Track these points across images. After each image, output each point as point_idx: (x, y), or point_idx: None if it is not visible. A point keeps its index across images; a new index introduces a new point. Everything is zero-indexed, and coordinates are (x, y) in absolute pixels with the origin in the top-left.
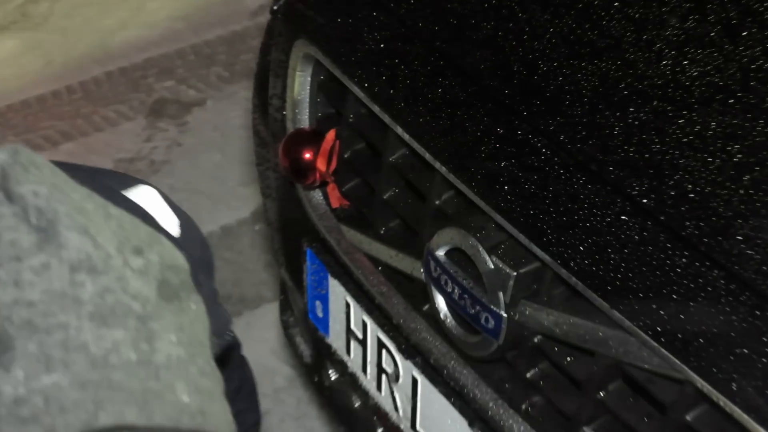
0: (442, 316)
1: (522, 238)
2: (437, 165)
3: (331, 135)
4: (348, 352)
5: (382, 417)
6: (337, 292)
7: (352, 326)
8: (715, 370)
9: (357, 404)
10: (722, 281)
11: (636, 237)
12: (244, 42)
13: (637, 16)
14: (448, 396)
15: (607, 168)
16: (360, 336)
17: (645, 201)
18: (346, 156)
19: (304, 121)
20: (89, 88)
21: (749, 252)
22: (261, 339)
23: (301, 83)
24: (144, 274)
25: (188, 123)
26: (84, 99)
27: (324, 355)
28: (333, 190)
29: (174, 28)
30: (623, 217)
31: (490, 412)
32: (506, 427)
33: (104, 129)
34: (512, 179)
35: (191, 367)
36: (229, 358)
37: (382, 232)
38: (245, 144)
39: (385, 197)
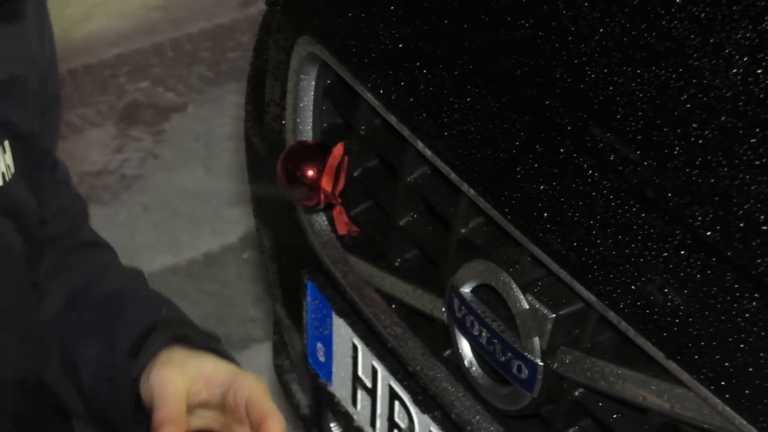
0: (466, 363)
1: (563, 274)
2: (464, 187)
3: (338, 149)
4: (354, 403)
5: None
6: (342, 333)
7: (360, 373)
8: None
9: None
10: None
11: (698, 276)
12: (231, 37)
13: (702, 15)
14: None
15: (665, 194)
16: (369, 384)
17: (709, 234)
18: (355, 174)
19: (307, 133)
20: None
21: None
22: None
23: (303, 88)
24: None
25: (165, 131)
26: None
27: (325, 405)
28: (340, 214)
29: (150, 19)
30: (683, 252)
31: None
32: None
33: (67, 136)
34: (552, 205)
35: None
36: None
37: (397, 264)
38: (233, 157)
39: (401, 223)
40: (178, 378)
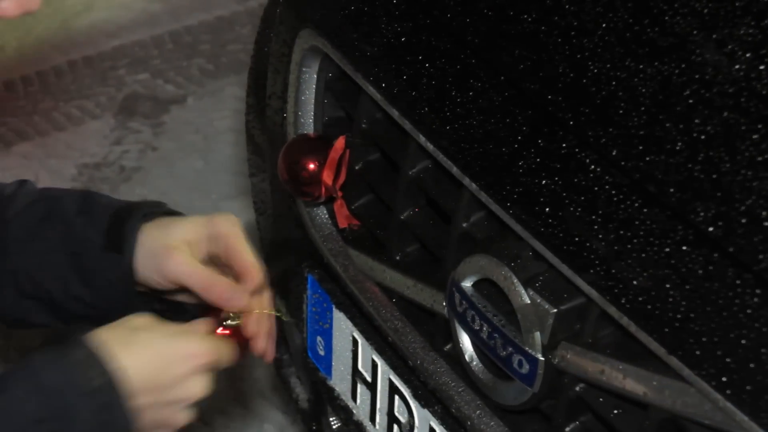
0: (467, 357)
1: (564, 269)
2: (466, 181)
3: (339, 143)
4: (354, 397)
5: None
6: (342, 326)
7: (360, 367)
8: None
9: None
10: None
11: (700, 271)
12: (231, 29)
13: (705, 10)
14: None
15: (667, 189)
16: (369, 379)
17: (711, 229)
18: (357, 168)
19: (309, 126)
20: (48, 79)
21: None
22: (247, 379)
23: (305, 81)
24: None
25: (165, 123)
26: (42, 92)
27: (325, 399)
28: (341, 208)
29: (149, 11)
30: (685, 248)
31: None
32: None
33: (66, 128)
34: (554, 200)
35: None
36: None
37: (398, 258)
38: (232, 150)
39: (402, 217)
40: (189, 257)
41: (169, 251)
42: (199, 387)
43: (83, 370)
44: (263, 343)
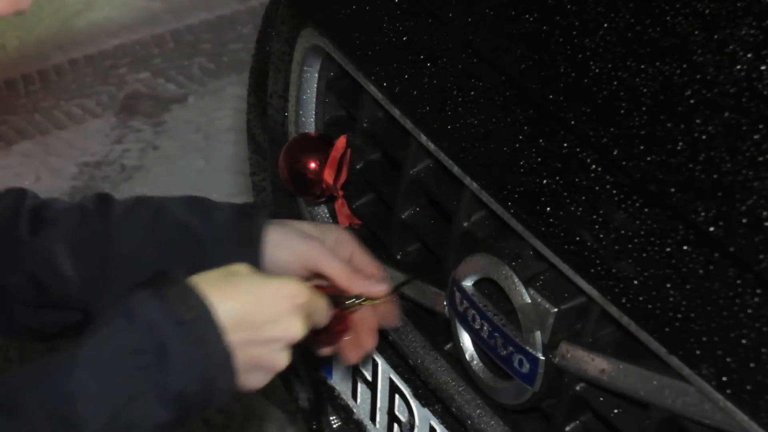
0: (467, 356)
1: (565, 268)
2: (467, 180)
3: (341, 142)
4: (354, 396)
5: None
6: None
7: (360, 366)
8: None
9: None
10: None
11: (700, 271)
12: (233, 29)
13: (707, 11)
14: None
15: (668, 189)
16: (369, 378)
17: (712, 229)
18: (358, 167)
19: (310, 125)
20: (49, 78)
21: None
22: None
23: (307, 80)
24: None
25: (166, 122)
26: (43, 91)
27: (325, 398)
28: (342, 207)
29: (151, 9)
30: (685, 248)
31: None
32: None
33: (67, 126)
34: (555, 199)
35: None
36: None
37: (398, 257)
38: (233, 149)
39: (403, 216)
40: (326, 251)
41: (307, 239)
42: (294, 327)
43: (177, 304)
44: (366, 335)
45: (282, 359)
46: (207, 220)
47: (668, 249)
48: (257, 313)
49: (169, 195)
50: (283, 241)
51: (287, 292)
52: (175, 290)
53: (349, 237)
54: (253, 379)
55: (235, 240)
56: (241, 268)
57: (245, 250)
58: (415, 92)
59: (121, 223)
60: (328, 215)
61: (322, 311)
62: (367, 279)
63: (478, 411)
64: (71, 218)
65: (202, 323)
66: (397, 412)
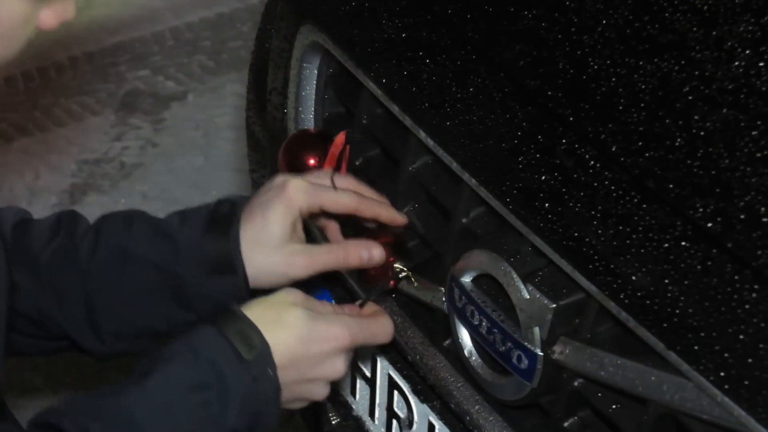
0: (466, 352)
1: (564, 264)
2: (465, 176)
3: (340, 138)
4: (353, 392)
5: None
6: None
7: (359, 362)
8: None
9: None
10: None
11: (698, 266)
12: (232, 26)
13: (705, 7)
14: None
15: (667, 185)
16: (368, 374)
17: (710, 225)
18: (357, 163)
19: (309, 122)
20: (49, 75)
21: None
22: None
23: (306, 77)
24: None
25: (165, 120)
26: (43, 88)
27: None
28: None
29: (150, 7)
30: (684, 243)
31: None
32: None
33: (66, 124)
34: (554, 195)
35: None
36: None
37: None
38: (232, 146)
39: (402, 212)
40: (305, 250)
41: (287, 260)
42: (337, 368)
43: (239, 343)
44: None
45: (321, 393)
46: (178, 252)
47: (666, 245)
48: (306, 356)
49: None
50: (262, 272)
51: (333, 335)
52: (236, 328)
53: (302, 188)
54: (291, 407)
55: (210, 269)
56: (293, 299)
57: (227, 278)
58: (414, 89)
59: (92, 263)
60: None
61: (378, 335)
62: (357, 248)
63: (476, 407)
64: (51, 253)
65: (261, 361)
66: (396, 408)
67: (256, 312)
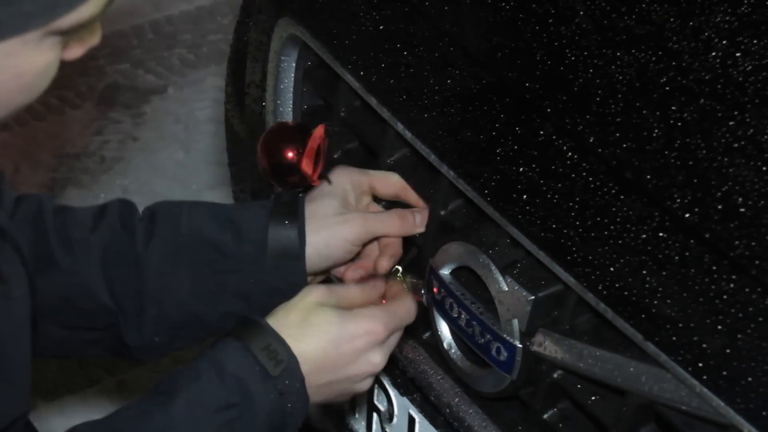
0: (445, 345)
1: (542, 256)
2: (443, 169)
3: (319, 131)
4: None
5: None
6: None
7: None
8: (765, 413)
9: None
10: None
11: (676, 257)
12: (212, 19)
13: None
14: None
15: (644, 176)
16: None
17: (687, 215)
18: (336, 156)
19: (288, 114)
20: None
21: None
22: None
23: (284, 70)
24: None
25: (145, 114)
26: None
27: None
28: None
29: (130, 0)
30: (661, 234)
31: None
32: None
33: (45, 118)
34: (532, 187)
35: None
36: None
37: None
38: (213, 140)
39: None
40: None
41: (344, 218)
42: (374, 361)
43: (264, 359)
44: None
45: (363, 387)
46: (240, 237)
47: (644, 236)
48: (337, 357)
49: (196, 201)
50: (321, 252)
51: (364, 330)
52: (261, 343)
53: (354, 175)
54: (335, 402)
55: (274, 254)
56: (316, 298)
57: (286, 262)
58: (391, 81)
59: (147, 249)
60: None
61: (404, 317)
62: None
63: (456, 399)
64: (100, 239)
65: (288, 376)
66: (376, 402)
67: (280, 320)
